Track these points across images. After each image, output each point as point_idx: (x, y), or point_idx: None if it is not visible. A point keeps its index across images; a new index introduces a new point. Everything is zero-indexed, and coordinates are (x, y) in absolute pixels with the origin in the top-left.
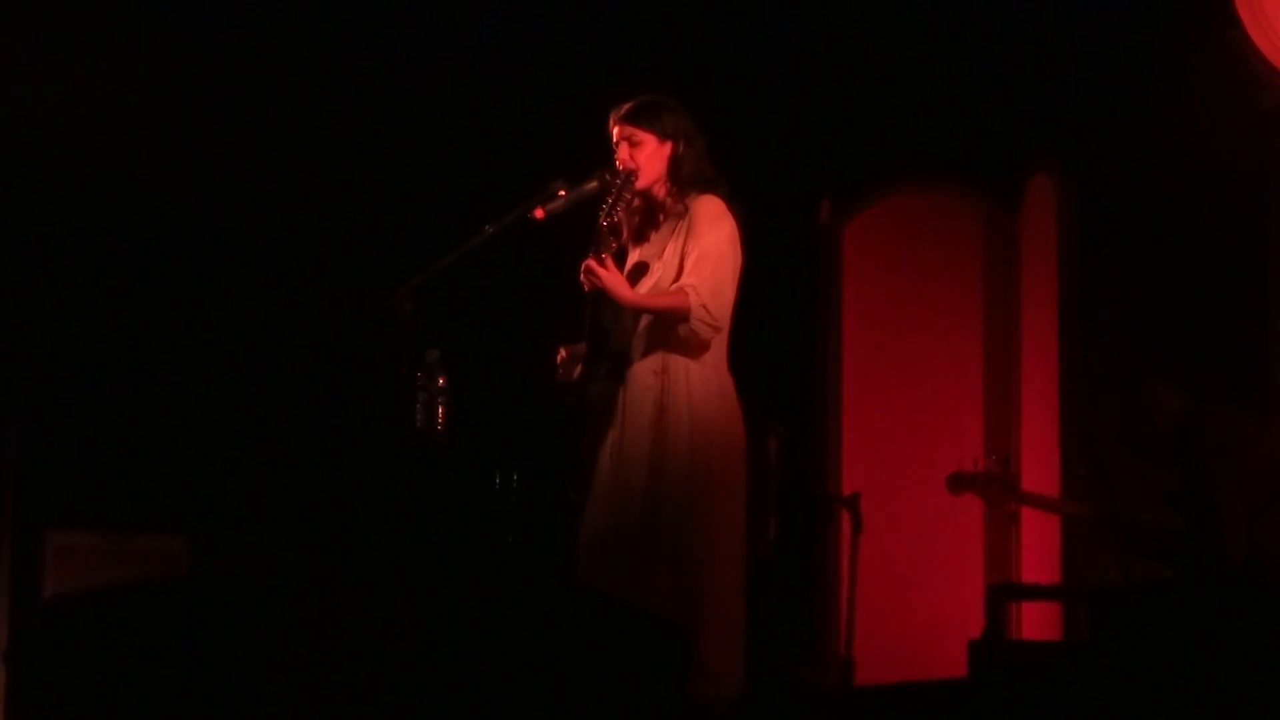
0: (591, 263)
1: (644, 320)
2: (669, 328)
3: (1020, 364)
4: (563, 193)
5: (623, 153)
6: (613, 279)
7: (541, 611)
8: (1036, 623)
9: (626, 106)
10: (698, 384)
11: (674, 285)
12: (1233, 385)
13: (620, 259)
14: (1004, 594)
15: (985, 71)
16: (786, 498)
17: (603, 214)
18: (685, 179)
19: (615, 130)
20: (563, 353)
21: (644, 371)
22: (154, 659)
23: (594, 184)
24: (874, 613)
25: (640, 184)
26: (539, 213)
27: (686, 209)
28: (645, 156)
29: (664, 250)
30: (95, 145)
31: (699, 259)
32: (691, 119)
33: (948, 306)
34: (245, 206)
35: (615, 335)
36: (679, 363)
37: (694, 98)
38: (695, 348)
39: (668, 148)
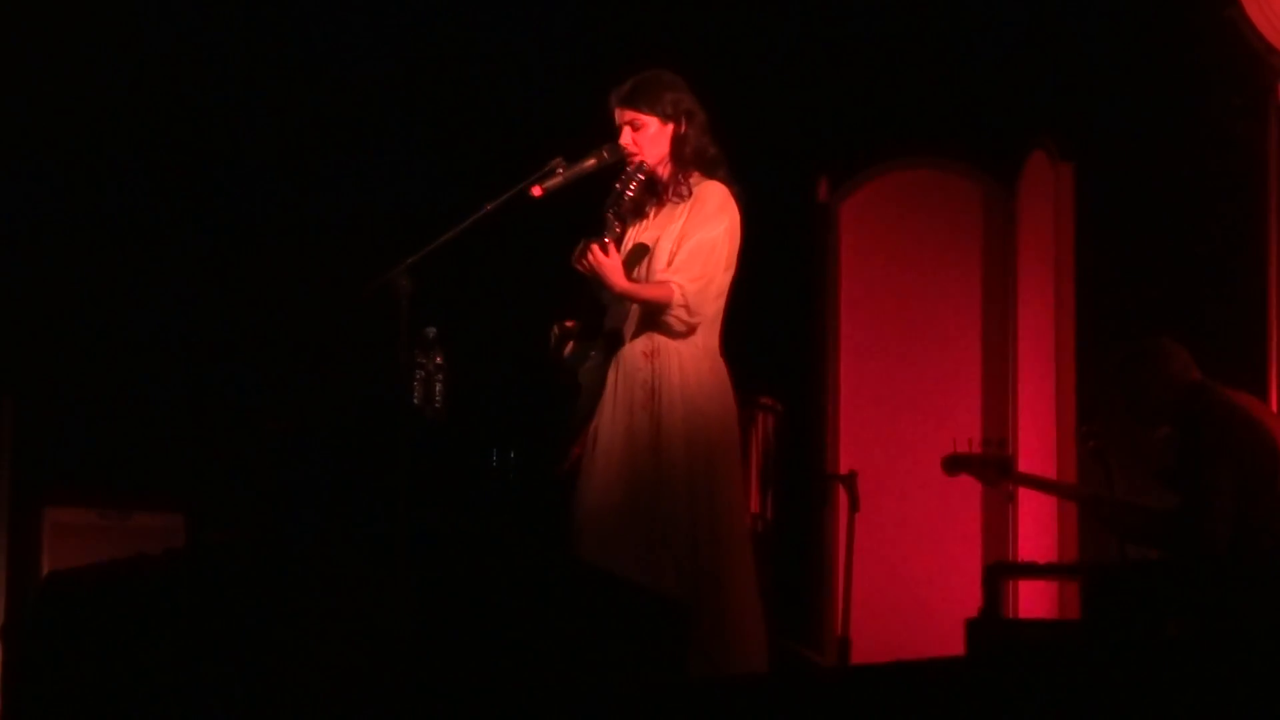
0: (595, 247)
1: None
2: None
3: (1017, 342)
4: (561, 170)
5: (625, 136)
6: (611, 266)
7: (538, 588)
8: (1033, 601)
9: (626, 89)
10: (690, 368)
11: (660, 275)
12: (1229, 363)
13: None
14: (1001, 573)
15: (984, 48)
16: (783, 476)
17: (610, 202)
18: (688, 158)
19: (616, 114)
20: (556, 329)
21: (635, 354)
22: (151, 635)
23: (592, 161)
24: (871, 592)
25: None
26: (537, 190)
27: (690, 191)
28: (648, 139)
29: (663, 232)
30: (94, 120)
31: (691, 253)
32: (691, 93)
33: (945, 284)
34: (244, 184)
35: (610, 315)
36: (670, 346)
37: (692, 73)
38: (677, 335)
39: (670, 128)
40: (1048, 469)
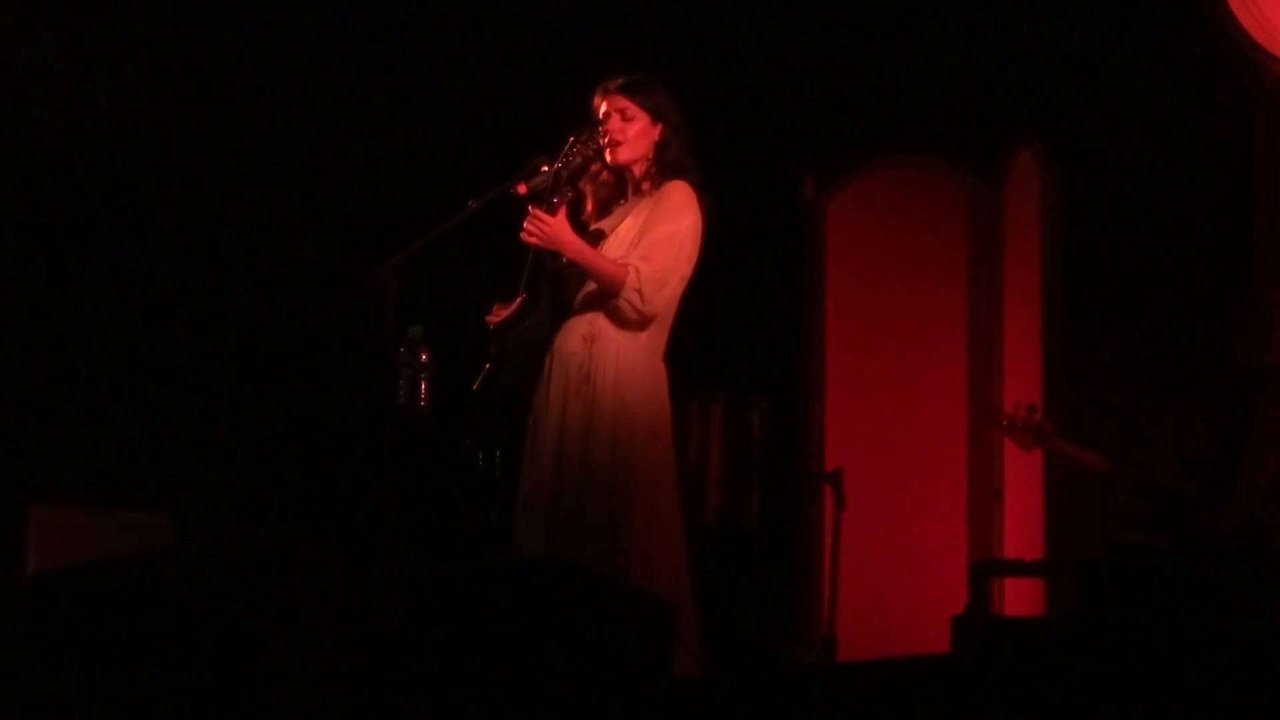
0: (537, 210)
1: (587, 285)
2: (605, 298)
3: (1004, 340)
4: (545, 168)
5: (613, 124)
6: (558, 225)
7: (525, 587)
8: (1019, 599)
9: (624, 79)
10: (626, 363)
11: (621, 259)
12: (1215, 360)
13: (581, 229)
14: (987, 570)
15: (970, 46)
16: (769, 474)
17: (561, 159)
18: (668, 164)
19: (606, 102)
20: (497, 310)
21: (573, 336)
22: (138, 635)
23: (579, 163)
24: (857, 589)
25: (623, 158)
26: (522, 188)
27: (654, 189)
28: (635, 132)
29: (622, 224)
30: (82, 121)
31: (654, 243)
32: (680, 107)
33: (932, 282)
34: (230, 184)
35: (553, 289)
36: (610, 335)
37: (677, 74)
38: (628, 323)
39: (658, 129)
40: (1033, 466)
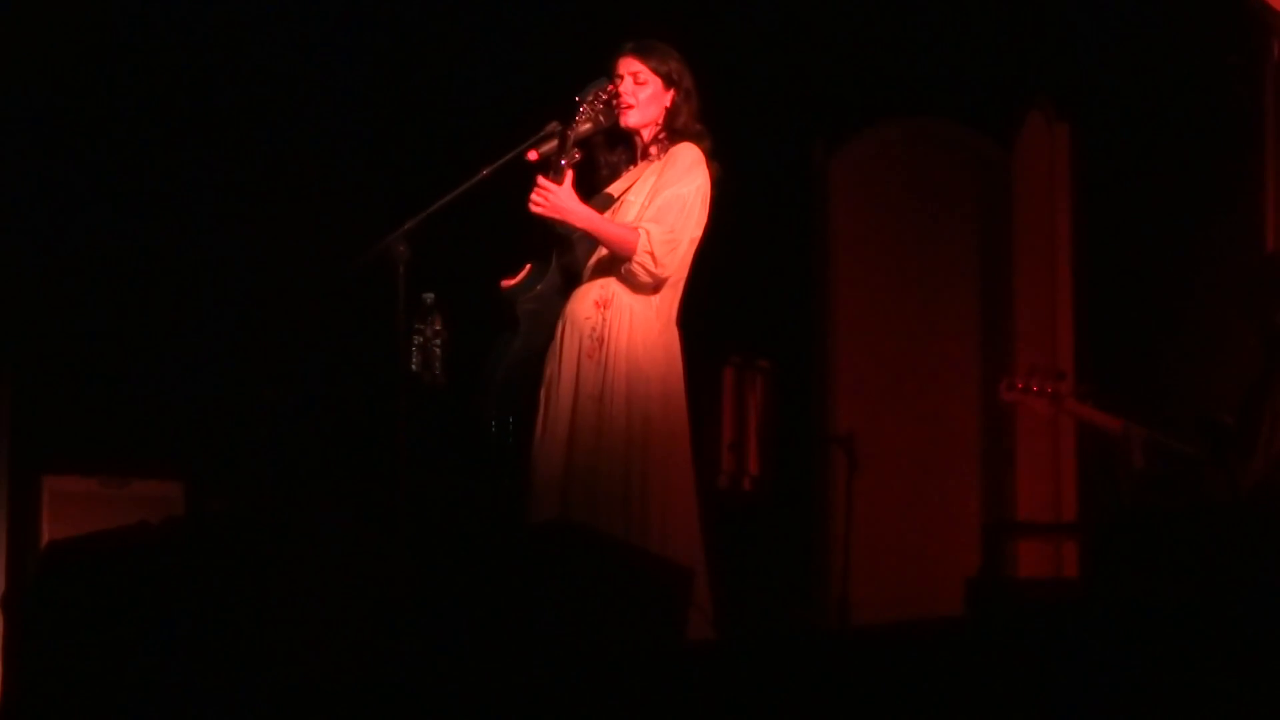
0: (542, 179)
1: (598, 250)
2: (617, 263)
3: (1014, 301)
4: (557, 134)
5: (625, 87)
6: (564, 194)
7: (540, 553)
8: (1033, 560)
9: (637, 42)
10: (640, 327)
11: (631, 223)
12: (1231, 320)
13: (591, 192)
14: (1001, 532)
15: (981, 7)
16: (780, 438)
17: (576, 121)
18: (678, 130)
19: (621, 63)
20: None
21: (586, 301)
22: (151, 603)
23: (588, 125)
24: (870, 552)
25: (633, 122)
26: (533, 154)
27: (663, 152)
28: (646, 96)
29: (632, 187)
30: (83, 87)
31: (665, 206)
32: (692, 73)
33: (942, 244)
34: (241, 152)
35: (562, 253)
36: (624, 299)
37: (685, 32)
38: (641, 287)
39: (670, 95)
40: (1047, 428)
